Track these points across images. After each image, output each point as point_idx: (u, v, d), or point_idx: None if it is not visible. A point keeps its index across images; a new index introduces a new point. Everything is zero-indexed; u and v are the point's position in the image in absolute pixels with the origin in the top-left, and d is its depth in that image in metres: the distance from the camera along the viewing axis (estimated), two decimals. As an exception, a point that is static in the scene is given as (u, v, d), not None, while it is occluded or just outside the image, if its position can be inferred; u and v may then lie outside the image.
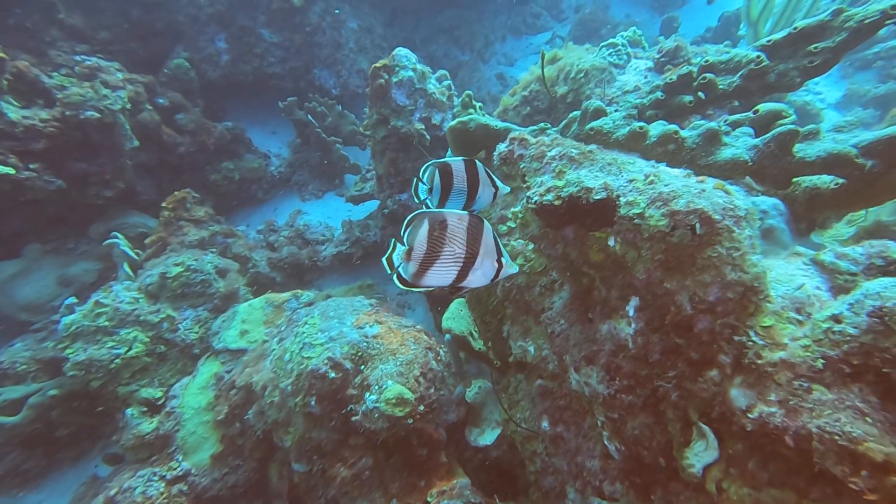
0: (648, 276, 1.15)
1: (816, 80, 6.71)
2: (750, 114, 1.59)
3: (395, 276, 1.22)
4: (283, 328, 2.81)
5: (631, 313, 1.25)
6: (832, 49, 1.59)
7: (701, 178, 1.18)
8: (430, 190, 1.41)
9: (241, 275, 4.03)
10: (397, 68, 3.21)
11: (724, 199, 1.04)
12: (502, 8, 9.78)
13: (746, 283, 1.02)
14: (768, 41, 1.76)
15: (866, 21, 1.54)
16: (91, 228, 4.22)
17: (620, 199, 1.18)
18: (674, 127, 1.50)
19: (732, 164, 1.41)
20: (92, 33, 4.80)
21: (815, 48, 1.62)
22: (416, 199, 1.40)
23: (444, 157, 1.44)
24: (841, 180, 1.36)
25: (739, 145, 1.45)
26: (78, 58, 4.13)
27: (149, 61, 5.27)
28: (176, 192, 4.11)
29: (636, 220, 1.12)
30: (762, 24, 4.73)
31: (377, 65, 3.26)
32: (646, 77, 2.51)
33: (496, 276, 1.20)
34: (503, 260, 1.19)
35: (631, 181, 1.18)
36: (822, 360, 0.87)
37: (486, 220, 1.19)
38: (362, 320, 2.66)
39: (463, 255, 1.18)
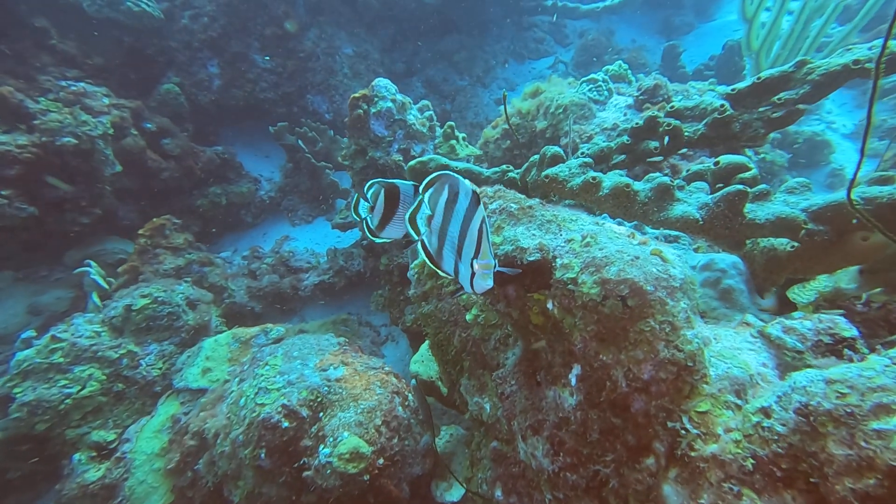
0: (585, 345, 1.10)
1: (829, 108, 6.70)
2: (711, 165, 1.56)
3: (420, 244, 1.13)
4: (246, 367, 2.77)
5: (573, 383, 1.19)
6: (795, 101, 1.58)
7: (643, 239, 1.15)
8: (372, 209, 1.35)
9: (216, 305, 4.02)
10: (376, 99, 3.26)
11: (658, 269, 1.00)
12: (506, 33, 10.06)
13: (680, 363, 0.96)
14: (732, 90, 1.76)
15: (829, 74, 1.53)
16: (67, 255, 4.27)
17: (557, 260, 1.14)
18: (626, 180, 1.47)
19: (683, 221, 1.38)
20: (84, 59, 4.98)
21: (779, 99, 1.60)
22: (353, 217, 1.35)
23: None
24: (796, 243, 1.31)
25: (692, 202, 1.41)
26: (64, 83, 4.27)
27: (141, 86, 5.45)
28: (155, 219, 4.16)
29: (570, 286, 1.08)
30: (764, 55, 4.76)
31: (356, 95, 3.32)
32: (625, 115, 2.51)
33: (471, 284, 1.02)
34: (476, 265, 0.99)
35: (569, 241, 1.15)
36: (752, 461, 0.80)
37: (481, 205, 1.02)
38: (327, 361, 2.61)
39: (456, 242, 1.06)
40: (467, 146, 3.43)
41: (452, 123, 3.45)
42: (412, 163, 2.15)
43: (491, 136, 3.13)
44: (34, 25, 4.74)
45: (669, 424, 0.96)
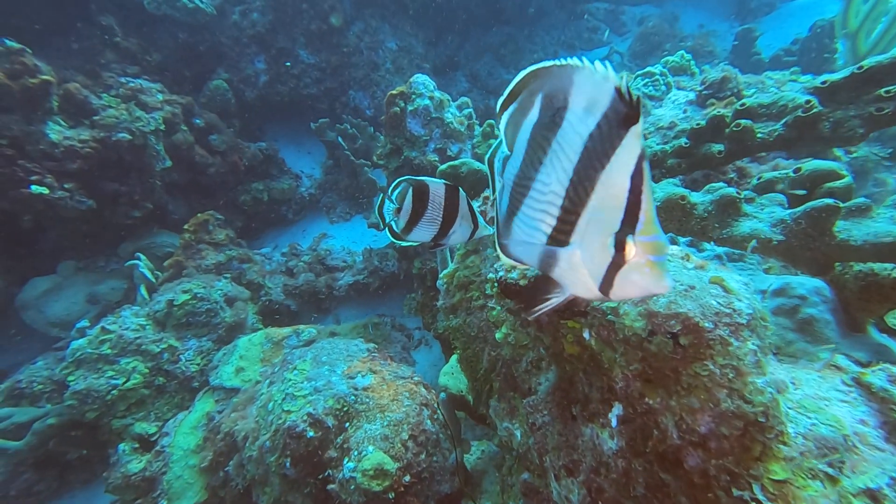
0: (627, 384, 0.98)
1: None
2: (790, 172, 1.35)
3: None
4: (276, 369, 2.83)
5: (613, 423, 1.07)
6: None
7: (700, 263, 1.00)
8: (399, 210, 1.25)
9: (253, 302, 4.17)
10: (413, 96, 3.22)
11: (718, 301, 0.86)
12: (557, 23, 9.73)
13: (748, 417, 0.82)
14: (823, 82, 1.49)
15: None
16: (121, 247, 4.60)
17: (597, 284, 1.02)
18: (681, 191, 1.30)
19: (751, 240, 1.20)
20: (144, 55, 5.34)
21: (888, 92, 1.34)
22: (378, 220, 1.30)
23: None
24: (907, 271, 1.10)
25: (763, 217, 1.22)
26: (123, 79, 4.58)
27: (194, 81, 5.78)
28: (199, 215, 4.38)
29: (610, 316, 0.96)
30: (864, 36, 4.23)
31: (393, 92, 3.30)
32: (685, 111, 2.29)
33: (609, 281, 0.68)
34: (633, 245, 0.63)
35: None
36: (844, 556, 0.66)
37: (637, 129, 0.70)
38: (355, 368, 2.60)
39: (560, 200, 0.96)
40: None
41: (493, 122, 3.34)
42: (442, 167, 2.09)
43: (535, 133, 2.99)
44: (101, 23, 5.13)
45: (735, 492, 0.83)
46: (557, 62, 0.66)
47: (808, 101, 1.49)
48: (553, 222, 0.66)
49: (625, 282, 0.60)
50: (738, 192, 1.24)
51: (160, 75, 5.26)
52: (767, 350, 0.88)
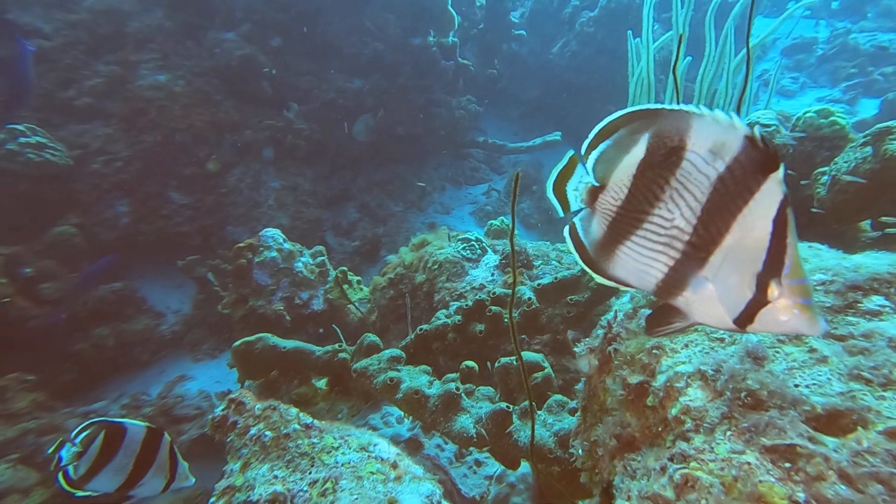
0: None
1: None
2: (512, 360, 1.54)
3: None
4: None
5: None
6: (584, 304, 1.72)
7: (399, 473, 0.99)
8: (81, 455, 1.11)
9: (46, 486, 3.31)
10: (261, 248, 3.25)
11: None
12: (444, 162, 11.09)
13: None
14: (538, 285, 1.90)
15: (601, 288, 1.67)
16: None
17: (295, 519, 0.94)
18: (418, 384, 1.38)
19: (460, 437, 1.26)
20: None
21: (571, 299, 1.73)
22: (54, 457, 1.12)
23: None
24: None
25: (473, 413, 1.32)
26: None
27: (35, 227, 5.24)
28: (-4, 381, 3.62)
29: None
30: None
31: (241, 245, 3.31)
32: (492, 275, 2.60)
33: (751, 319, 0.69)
34: (778, 289, 0.66)
35: (312, 484, 0.97)
36: None
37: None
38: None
39: None
40: (361, 290, 3.38)
41: (345, 269, 3.46)
42: (236, 344, 2.02)
43: (379, 283, 3.12)
44: None
45: None
46: (667, 106, 0.69)
47: (529, 299, 1.80)
48: (677, 255, 0.68)
49: (770, 320, 0.62)
50: (457, 388, 1.32)
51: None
52: None
